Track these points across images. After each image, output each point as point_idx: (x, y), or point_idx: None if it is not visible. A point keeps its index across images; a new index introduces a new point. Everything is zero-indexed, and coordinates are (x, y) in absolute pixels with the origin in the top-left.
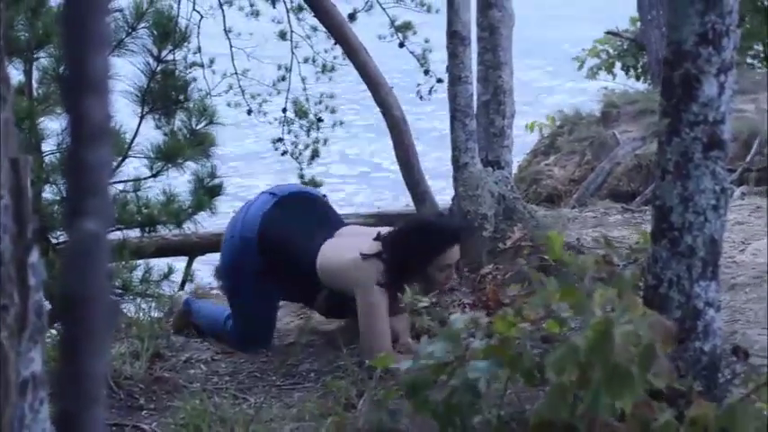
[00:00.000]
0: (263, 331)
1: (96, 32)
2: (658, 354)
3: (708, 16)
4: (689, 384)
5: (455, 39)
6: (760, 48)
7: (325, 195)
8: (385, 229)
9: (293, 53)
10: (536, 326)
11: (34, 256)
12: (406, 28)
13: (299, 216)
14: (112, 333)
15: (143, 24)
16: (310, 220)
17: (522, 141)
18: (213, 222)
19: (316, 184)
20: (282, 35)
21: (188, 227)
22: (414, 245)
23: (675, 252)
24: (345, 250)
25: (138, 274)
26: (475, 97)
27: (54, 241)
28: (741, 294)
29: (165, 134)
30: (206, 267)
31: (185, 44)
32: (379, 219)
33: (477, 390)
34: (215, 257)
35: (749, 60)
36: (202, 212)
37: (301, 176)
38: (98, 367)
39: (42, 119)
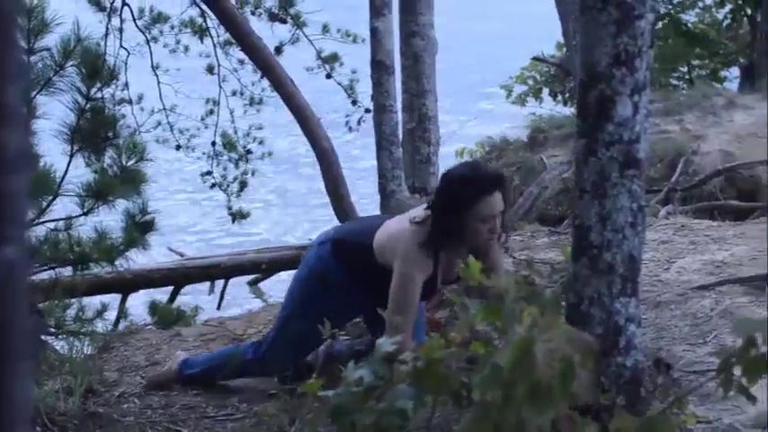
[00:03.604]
0: (294, 352)
1: (9, 64)
2: (579, 369)
3: (620, 38)
4: (612, 398)
5: (379, 68)
6: (684, 69)
7: None
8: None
9: (221, 87)
10: (462, 347)
11: None
12: (332, 59)
13: (368, 221)
14: (36, 357)
15: (71, 62)
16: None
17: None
18: (146, 259)
19: (243, 215)
20: (210, 69)
21: (120, 264)
22: (451, 195)
23: (595, 270)
24: (397, 222)
25: (72, 312)
26: (400, 125)
27: None
28: (666, 312)
29: (95, 172)
30: (140, 304)
31: (113, 81)
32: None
33: (405, 413)
34: (149, 294)
35: (673, 82)
36: (134, 249)
37: (229, 208)
38: (22, 389)
39: None
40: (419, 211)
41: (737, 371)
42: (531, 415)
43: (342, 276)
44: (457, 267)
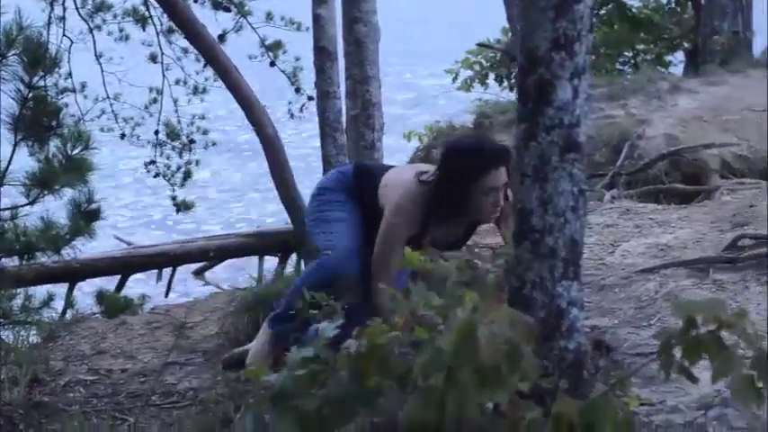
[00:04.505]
0: (346, 250)
1: None
2: (524, 351)
3: (559, 22)
4: (555, 382)
5: (322, 54)
6: (629, 54)
7: None
8: None
9: (164, 75)
10: (406, 332)
11: None
12: (276, 47)
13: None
14: None
15: (13, 52)
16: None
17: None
18: (92, 248)
19: (187, 206)
20: (153, 58)
21: (67, 253)
22: (459, 166)
23: (537, 254)
24: (402, 172)
25: (18, 302)
26: (344, 112)
27: None
28: (611, 294)
29: (40, 161)
30: (87, 293)
31: (56, 70)
32: (258, 237)
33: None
34: (95, 283)
35: (618, 66)
36: (81, 238)
37: (173, 198)
38: None
39: None
40: (430, 167)
41: (678, 352)
42: (482, 399)
43: (355, 193)
44: (453, 235)
